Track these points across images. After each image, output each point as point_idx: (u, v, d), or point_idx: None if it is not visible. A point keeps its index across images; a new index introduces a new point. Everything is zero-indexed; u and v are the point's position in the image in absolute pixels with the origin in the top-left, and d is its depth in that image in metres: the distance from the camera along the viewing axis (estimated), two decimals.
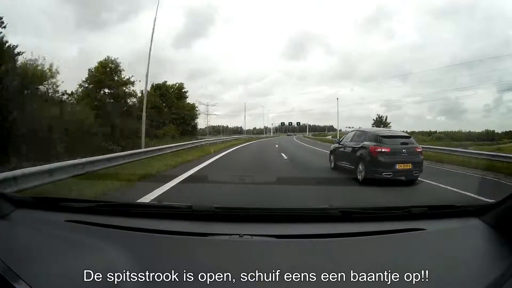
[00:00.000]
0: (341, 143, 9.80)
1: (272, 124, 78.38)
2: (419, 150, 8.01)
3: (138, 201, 4.55)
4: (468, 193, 6.66)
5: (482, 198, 5.66)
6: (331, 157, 10.36)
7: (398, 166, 7.46)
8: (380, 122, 48.47)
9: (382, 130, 9.37)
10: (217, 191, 5.92)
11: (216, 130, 71.36)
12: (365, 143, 8.18)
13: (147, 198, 5.23)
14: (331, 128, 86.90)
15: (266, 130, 78.24)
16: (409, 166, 7.57)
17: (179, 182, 7.18)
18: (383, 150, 7.60)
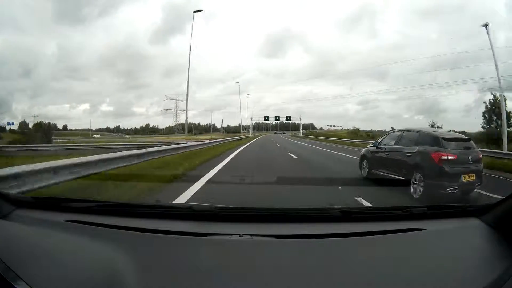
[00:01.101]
0: (380, 146, 7.72)
1: (251, 118, 67.06)
2: (481, 156, 6.45)
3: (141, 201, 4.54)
4: None
5: None
6: (364, 162, 8.36)
7: (463, 178, 5.77)
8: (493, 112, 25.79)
9: (437, 131, 7.34)
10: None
11: (187, 128, 65.57)
12: (422, 147, 6.29)
13: None
14: (312, 127, 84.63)
15: (243, 128, 69.70)
16: (473, 177, 5.94)
17: None
18: (449, 157, 5.78)
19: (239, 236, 1.30)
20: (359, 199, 5.46)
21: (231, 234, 1.32)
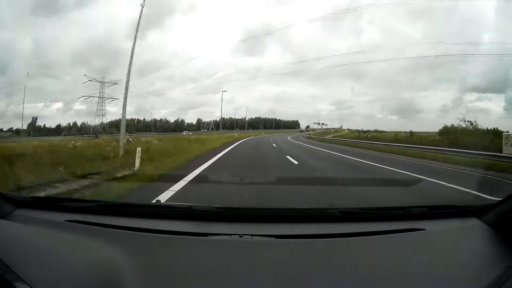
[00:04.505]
0: None
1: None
2: None
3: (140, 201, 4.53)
4: None
5: None
6: None
7: None
8: None
9: None
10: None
11: (115, 126, 41.26)
12: None
13: None
14: (297, 124, 78.03)
15: (204, 126, 57.14)
16: None
17: None
18: None
19: (239, 236, 1.30)
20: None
21: (231, 234, 1.32)
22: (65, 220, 1.44)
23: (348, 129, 66.28)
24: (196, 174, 7.20)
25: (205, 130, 54.33)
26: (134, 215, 1.56)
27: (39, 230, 1.32)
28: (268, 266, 1.11)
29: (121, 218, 1.49)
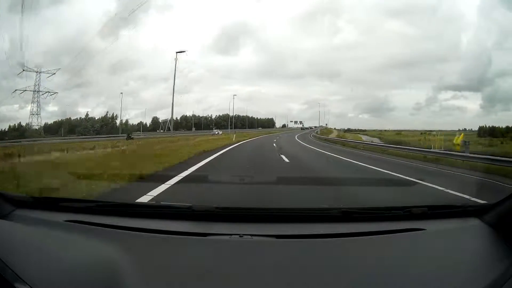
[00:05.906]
0: None
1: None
2: None
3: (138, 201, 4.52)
4: None
5: None
6: None
7: None
8: None
9: None
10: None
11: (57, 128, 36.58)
12: None
13: None
14: (272, 123, 71.57)
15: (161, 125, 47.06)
16: None
17: None
18: None
19: (239, 236, 1.30)
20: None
21: (231, 234, 1.32)
22: (65, 220, 1.44)
23: (335, 128, 63.97)
24: None
25: (162, 131, 46.04)
26: (134, 215, 1.56)
27: (39, 230, 1.32)
28: (268, 266, 1.11)
29: (121, 218, 1.49)
